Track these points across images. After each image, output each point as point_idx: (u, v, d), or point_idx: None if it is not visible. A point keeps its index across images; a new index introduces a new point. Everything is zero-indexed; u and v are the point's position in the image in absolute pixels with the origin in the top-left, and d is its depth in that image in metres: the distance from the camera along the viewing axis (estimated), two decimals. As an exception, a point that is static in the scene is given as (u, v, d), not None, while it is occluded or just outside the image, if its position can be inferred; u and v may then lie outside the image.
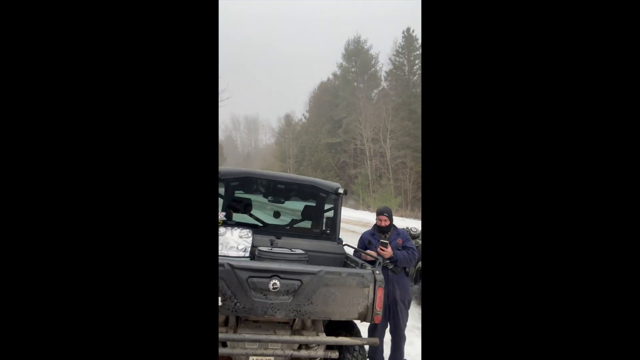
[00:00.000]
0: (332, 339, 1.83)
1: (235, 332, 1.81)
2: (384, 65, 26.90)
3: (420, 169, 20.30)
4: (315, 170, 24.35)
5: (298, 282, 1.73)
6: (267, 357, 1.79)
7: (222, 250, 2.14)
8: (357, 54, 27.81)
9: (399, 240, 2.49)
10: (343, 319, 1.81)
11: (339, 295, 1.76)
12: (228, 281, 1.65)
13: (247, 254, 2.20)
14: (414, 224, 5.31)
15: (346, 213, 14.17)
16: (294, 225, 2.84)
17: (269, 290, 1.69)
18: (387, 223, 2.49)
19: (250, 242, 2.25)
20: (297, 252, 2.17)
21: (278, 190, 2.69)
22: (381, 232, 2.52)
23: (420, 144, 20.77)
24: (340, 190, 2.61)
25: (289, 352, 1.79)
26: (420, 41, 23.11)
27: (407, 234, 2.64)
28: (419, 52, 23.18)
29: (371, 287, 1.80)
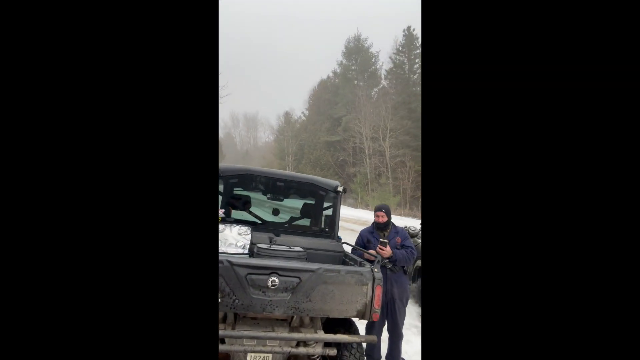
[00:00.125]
0: (330, 337, 1.83)
1: (233, 328, 1.81)
2: (384, 63, 26.86)
3: (419, 168, 20.28)
4: (314, 168, 24.34)
5: (297, 280, 1.73)
6: (265, 354, 1.79)
7: (221, 247, 2.14)
8: (357, 52, 27.72)
9: (398, 239, 2.49)
10: (341, 316, 1.82)
11: (338, 293, 1.76)
12: (227, 278, 1.65)
13: (246, 251, 2.20)
14: (413, 223, 5.33)
15: (345, 211, 14.18)
16: (293, 223, 2.84)
17: (267, 287, 1.70)
18: (385, 219, 2.50)
19: (249, 239, 2.24)
20: (296, 249, 2.17)
21: (277, 187, 2.68)
22: (379, 229, 2.52)
23: (419, 143, 20.70)
24: (340, 189, 2.61)
25: (287, 349, 1.80)
26: (420, 40, 23.07)
27: (406, 232, 2.64)
28: (420, 50, 23.13)
29: (370, 285, 1.81)
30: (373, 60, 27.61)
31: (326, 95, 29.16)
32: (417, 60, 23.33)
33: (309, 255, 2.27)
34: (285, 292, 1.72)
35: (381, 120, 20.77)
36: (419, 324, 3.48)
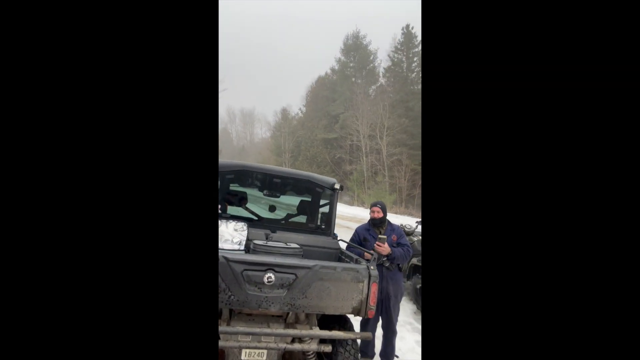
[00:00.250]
0: (326, 333, 1.84)
1: (228, 324, 1.81)
2: (382, 61, 26.83)
3: (415, 166, 20.32)
4: (311, 165, 24.31)
5: (293, 276, 1.73)
6: (260, 350, 1.79)
7: (216, 243, 2.13)
8: (355, 49, 27.63)
9: (394, 237, 2.50)
10: (337, 313, 1.82)
11: (334, 290, 1.77)
12: (223, 274, 1.65)
13: (242, 247, 2.20)
14: (408, 221, 5.35)
15: (341, 209, 14.20)
16: (290, 220, 2.83)
17: (263, 283, 1.69)
18: (381, 215, 2.51)
19: (245, 236, 2.24)
20: (292, 246, 2.16)
21: (274, 184, 2.67)
22: (375, 225, 2.53)
23: (416, 141, 20.73)
24: (337, 186, 2.61)
25: (282, 345, 1.80)
26: (419, 39, 23.05)
27: (402, 230, 2.66)
28: (418, 49, 23.12)
29: (365, 282, 1.81)
30: (371, 58, 27.56)
31: (324, 92, 29.06)
32: (415, 59, 23.34)
33: (305, 252, 2.27)
34: (281, 289, 1.72)
35: (378, 118, 20.78)
36: (413, 321, 3.52)
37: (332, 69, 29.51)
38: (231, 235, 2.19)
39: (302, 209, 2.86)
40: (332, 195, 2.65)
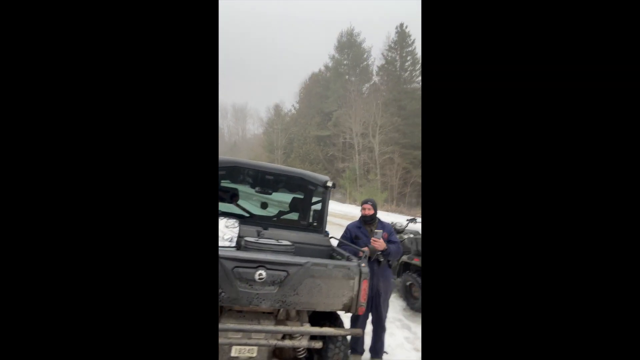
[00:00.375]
0: (316, 330, 1.85)
1: (218, 321, 1.80)
2: (376, 59, 26.87)
3: (407, 165, 20.43)
4: (304, 162, 24.25)
5: (284, 273, 1.73)
6: (250, 347, 1.79)
7: (207, 240, 2.11)
8: (349, 47, 27.58)
9: (385, 234, 2.53)
10: (328, 310, 1.83)
11: (325, 287, 1.78)
12: None
13: (233, 244, 2.18)
14: (399, 219, 5.41)
15: (333, 206, 14.23)
16: (281, 217, 2.83)
17: (254, 280, 1.69)
18: (372, 212, 2.54)
19: (237, 233, 2.22)
20: (284, 243, 2.16)
21: (266, 181, 2.66)
22: (366, 222, 2.56)
23: (408, 140, 20.82)
24: (329, 184, 2.62)
25: (272, 342, 1.80)
26: (413, 38, 23.17)
27: (392, 227, 2.69)
28: (411, 48, 23.24)
29: (356, 279, 1.83)
30: (365, 56, 27.57)
31: (317, 89, 28.96)
32: (408, 58, 23.45)
33: (297, 249, 2.27)
34: (273, 286, 1.72)
35: (371, 116, 20.85)
36: (403, 318, 3.57)
37: (326, 66, 29.43)
38: (222, 232, 2.17)
39: (294, 206, 2.86)
40: (325, 192, 2.66)
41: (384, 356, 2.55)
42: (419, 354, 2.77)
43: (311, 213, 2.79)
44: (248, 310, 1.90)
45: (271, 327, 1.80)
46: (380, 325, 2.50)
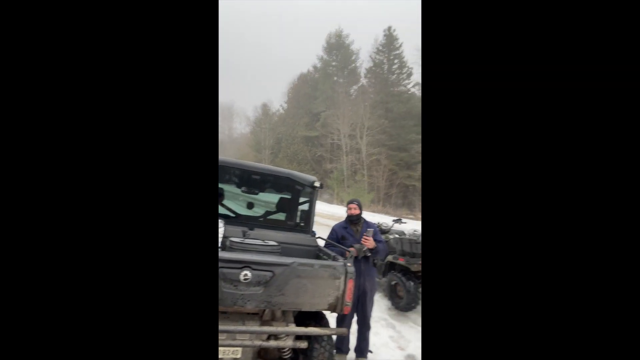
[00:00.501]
0: (301, 329, 1.85)
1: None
2: (364, 62, 27.14)
3: (393, 166, 20.71)
4: (291, 163, 24.16)
5: (270, 274, 1.72)
6: (235, 348, 1.77)
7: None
8: (338, 48, 27.73)
9: (368, 230, 2.57)
10: (313, 309, 1.84)
11: (311, 287, 1.78)
12: None
13: (219, 245, 2.15)
14: (385, 220, 5.49)
15: (320, 207, 14.26)
16: (268, 217, 2.81)
17: (239, 281, 1.67)
18: (358, 211, 2.57)
19: (222, 233, 2.19)
20: (270, 243, 2.15)
21: (252, 181, 2.63)
22: (352, 222, 2.58)
23: (394, 142, 21.10)
24: (317, 184, 2.62)
25: (257, 342, 1.79)
26: (400, 41, 23.56)
27: (377, 227, 2.73)
28: (399, 51, 23.61)
29: (342, 278, 1.84)
30: (353, 58, 27.78)
31: (306, 90, 28.93)
32: (395, 61, 23.81)
33: (284, 250, 2.26)
34: (258, 286, 1.71)
35: (359, 118, 21.03)
36: (387, 317, 3.62)
37: (315, 67, 29.46)
38: (207, 232, 2.13)
39: (281, 206, 2.85)
40: (312, 193, 2.66)
41: (369, 355, 2.58)
42: (404, 353, 2.82)
43: (298, 213, 2.79)
44: (232, 311, 1.88)
45: (256, 328, 1.78)
46: (365, 323, 2.53)
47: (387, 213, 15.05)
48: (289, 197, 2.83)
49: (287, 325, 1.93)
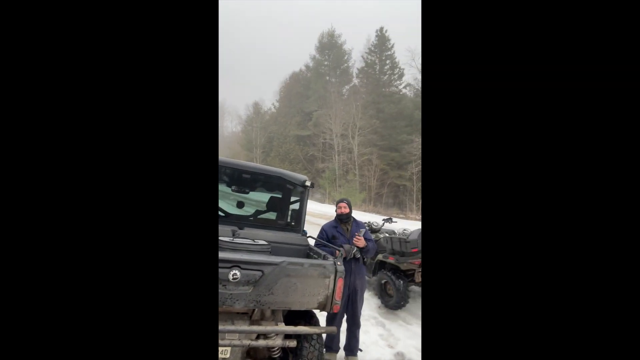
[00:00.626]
0: (291, 328, 1.85)
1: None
2: (356, 62, 27.26)
3: (384, 166, 20.88)
4: (283, 162, 24.07)
5: (259, 273, 1.71)
6: (224, 348, 1.76)
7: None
8: (330, 48, 27.76)
9: (360, 230, 2.59)
10: (303, 308, 1.84)
11: (300, 286, 1.78)
12: None
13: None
14: (376, 219, 5.53)
15: (312, 206, 14.26)
16: (258, 217, 2.79)
17: (228, 280, 1.66)
18: (347, 210, 2.59)
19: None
20: (259, 243, 2.14)
21: (243, 180, 2.61)
22: (341, 220, 2.60)
23: (386, 142, 21.28)
24: (308, 183, 2.62)
25: (246, 342, 1.78)
26: (392, 42, 23.75)
27: (365, 226, 2.75)
28: (390, 52, 23.80)
29: (332, 277, 1.85)
30: (346, 58, 27.86)
31: (298, 89, 28.86)
32: (387, 62, 24.00)
33: (274, 249, 2.25)
34: (247, 286, 1.70)
35: (351, 118, 21.12)
36: (377, 315, 3.65)
37: (307, 66, 29.41)
38: (196, 232, 2.11)
39: (271, 205, 2.83)
40: (303, 192, 2.66)
41: (359, 353, 2.60)
42: (393, 351, 2.85)
43: (289, 212, 2.78)
44: (221, 311, 1.86)
45: (245, 327, 1.77)
46: (355, 322, 2.54)
47: (378, 212, 15.18)
48: (279, 196, 2.82)
49: (276, 325, 1.93)
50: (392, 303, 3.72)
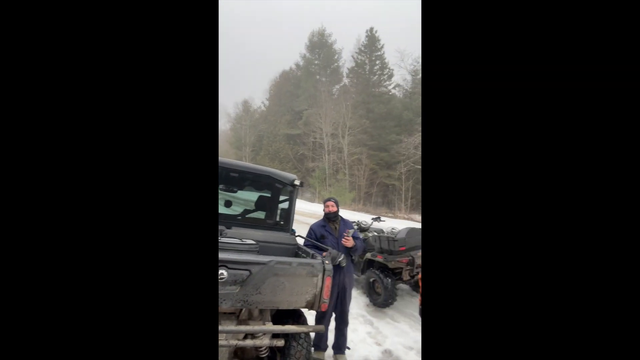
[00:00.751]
0: (278, 328, 1.85)
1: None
2: (346, 61, 27.34)
3: (374, 166, 21.06)
4: (273, 161, 23.93)
5: (247, 272, 1.70)
6: (210, 349, 1.73)
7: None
8: (320, 47, 27.75)
9: (348, 231, 2.60)
10: (291, 307, 1.83)
11: (288, 285, 1.78)
12: None
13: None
14: (365, 218, 5.58)
15: (302, 205, 14.24)
16: (247, 216, 2.77)
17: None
18: (335, 209, 2.60)
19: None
20: (247, 242, 2.12)
21: (231, 178, 2.58)
22: (330, 219, 2.60)
23: (375, 142, 21.47)
24: (297, 182, 2.61)
25: (233, 342, 1.76)
26: (382, 42, 23.94)
27: (352, 224, 2.77)
28: (380, 52, 23.99)
29: (320, 276, 1.85)
30: (336, 57, 27.91)
31: (288, 87, 28.73)
32: (377, 62, 24.18)
33: (262, 248, 2.24)
34: (234, 285, 1.68)
35: (341, 117, 21.19)
36: (366, 314, 3.69)
37: (297, 65, 29.31)
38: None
39: (260, 204, 2.81)
40: (292, 191, 2.65)
41: (347, 352, 2.62)
42: (381, 348, 2.88)
43: (278, 212, 2.77)
44: None
45: (231, 327, 1.76)
46: (344, 319, 2.56)
47: (367, 211, 15.30)
48: (268, 195, 2.80)
49: (264, 324, 1.92)
50: (380, 301, 3.76)
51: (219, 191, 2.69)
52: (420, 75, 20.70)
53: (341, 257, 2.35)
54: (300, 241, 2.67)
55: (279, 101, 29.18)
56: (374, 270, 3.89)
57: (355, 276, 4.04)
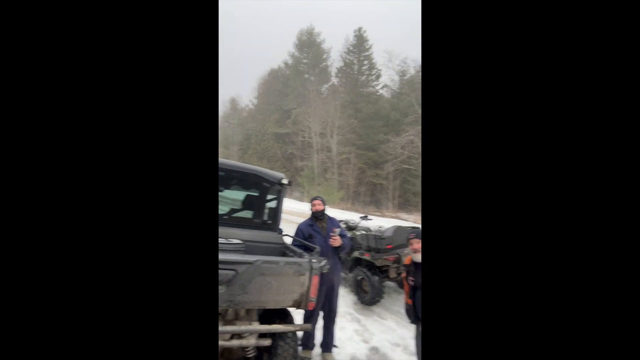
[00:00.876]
0: (265, 327, 1.84)
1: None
2: (334, 61, 27.40)
3: (362, 165, 21.19)
4: (261, 160, 23.71)
5: (232, 272, 1.68)
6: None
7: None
8: (309, 46, 27.69)
9: (335, 229, 2.61)
10: (278, 307, 1.83)
11: (275, 284, 1.77)
12: None
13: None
14: (353, 216, 5.62)
15: (291, 205, 14.19)
16: (233, 215, 2.73)
17: None
18: (322, 207, 2.61)
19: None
20: (233, 241, 2.10)
21: (217, 177, 2.54)
22: (317, 218, 2.61)
23: (364, 142, 21.60)
24: (284, 181, 2.60)
25: (220, 342, 1.74)
26: (370, 42, 24.13)
27: (339, 222, 2.79)
28: (368, 52, 24.18)
29: (307, 274, 1.85)
30: (324, 57, 27.92)
31: (276, 86, 28.53)
32: (365, 62, 24.35)
33: (249, 248, 2.22)
34: (220, 285, 1.66)
35: (330, 117, 21.23)
36: (353, 312, 3.72)
37: (286, 63, 29.14)
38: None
39: (247, 203, 2.79)
40: (280, 190, 2.64)
41: (334, 350, 2.63)
42: (368, 346, 2.91)
43: (266, 211, 2.75)
44: None
45: (218, 328, 1.73)
46: (332, 317, 2.57)
47: (355, 210, 15.42)
48: (256, 194, 2.78)
49: (250, 324, 1.90)
50: (368, 299, 3.80)
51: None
52: (407, 76, 21.01)
53: (323, 263, 2.33)
54: (289, 240, 2.66)
55: (267, 99, 28.93)
56: (362, 268, 3.92)
57: (342, 274, 4.07)
